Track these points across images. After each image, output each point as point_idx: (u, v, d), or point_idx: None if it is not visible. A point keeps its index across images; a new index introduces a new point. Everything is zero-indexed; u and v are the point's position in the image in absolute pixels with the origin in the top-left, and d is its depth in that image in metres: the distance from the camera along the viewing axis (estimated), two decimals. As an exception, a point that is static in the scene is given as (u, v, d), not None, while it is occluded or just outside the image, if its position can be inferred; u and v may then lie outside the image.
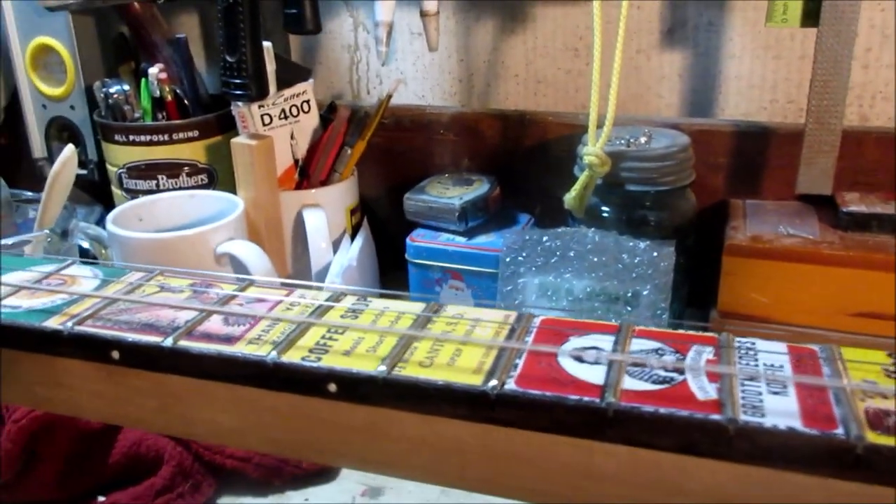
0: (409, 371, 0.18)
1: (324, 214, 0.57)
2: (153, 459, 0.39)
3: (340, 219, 0.60)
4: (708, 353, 0.18)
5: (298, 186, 0.59)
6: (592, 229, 0.50)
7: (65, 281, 0.23)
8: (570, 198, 0.52)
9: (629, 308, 0.51)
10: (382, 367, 0.18)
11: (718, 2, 0.57)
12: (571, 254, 0.51)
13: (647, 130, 0.53)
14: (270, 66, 0.54)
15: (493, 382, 0.17)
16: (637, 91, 0.61)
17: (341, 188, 0.59)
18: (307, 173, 0.59)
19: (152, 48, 0.61)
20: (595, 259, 0.50)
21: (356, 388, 0.18)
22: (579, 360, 0.18)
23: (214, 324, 0.20)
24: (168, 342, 0.20)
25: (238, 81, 0.52)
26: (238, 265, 0.51)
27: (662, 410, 0.16)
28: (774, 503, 0.16)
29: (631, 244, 0.50)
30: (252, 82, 0.52)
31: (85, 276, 0.23)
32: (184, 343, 0.20)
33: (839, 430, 0.15)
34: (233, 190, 0.57)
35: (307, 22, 0.54)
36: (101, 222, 0.63)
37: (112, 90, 0.59)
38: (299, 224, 0.58)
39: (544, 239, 0.51)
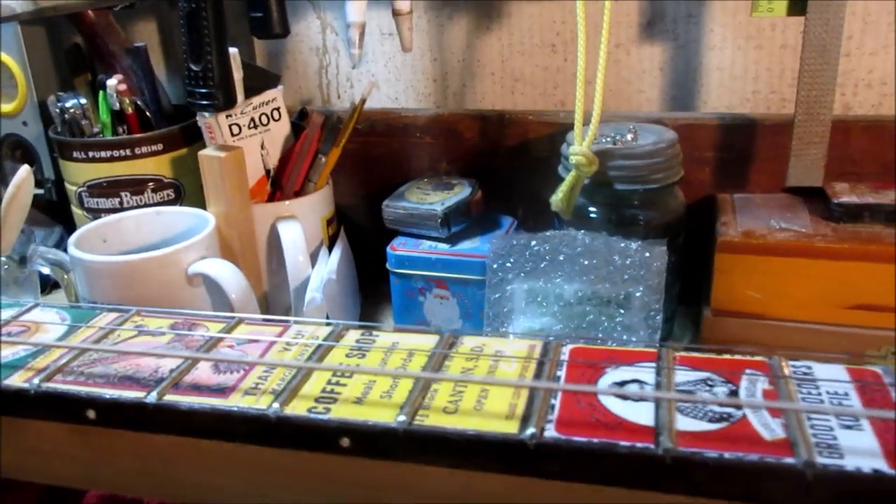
0: (433, 420, 0.16)
1: (300, 227, 0.54)
2: (131, 501, 0.37)
3: (317, 230, 0.57)
4: (762, 382, 0.17)
5: (271, 198, 0.56)
6: (582, 231, 0.49)
7: (28, 328, 0.21)
8: (556, 199, 0.50)
9: (622, 311, 0.49)
10: (402, 417, 0.16)
11: (697, -8, 0.56)
12: (561, 257, 0.49)
13: (632, 127, 0.51)
14: (237, 74, 0.51)
15: (532, 430, 0.15)
16: (617, 87, 0.60)
17: (316, 198, 0.56)
18: (280, 184, 0.56)
19: (110, 58, 0.58)
20: (586, 262, 0.49)
21: (373, 443, 0.16)
22: (622, 397, 0.16)
23: (203, 372, 0.18)
24: (152, 397, 0.17)
25: (204, 91, 0.49)
26: (212, 285, 0.48)
27: (728, 455, 0.14)
28: (858, 554, 0.14)
29: (622, 245, 0.48)
30: (219, 91, 0.49)
31: (51, 322, 0.21)
32: (170, 398, 0.17)
33: (931, 471, 0.14)
34: (201, 205, 0.54)
35: (274, 25, 0.51)
36: (61, 245, 0.59)
37: (68, 104, 0.55)
38: (274, 238, 0.55)
39: (532, 243, 0.50)
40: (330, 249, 0.57)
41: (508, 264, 0.51)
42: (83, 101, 0.56)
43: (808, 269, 0.47)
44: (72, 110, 0.55)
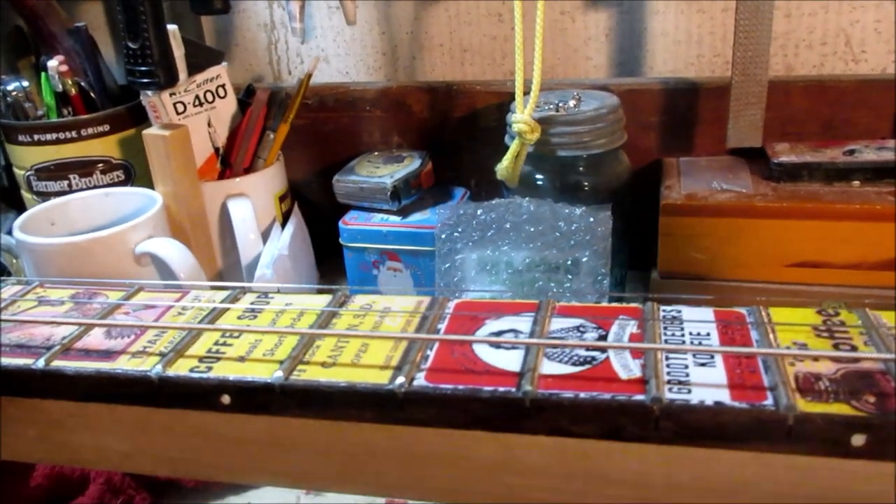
0: (310, 374, 0.16)
1: (250, 203, 0.54)
2: (79, 479, 0.37)
3: (269, 207, 0.57)
4: (632, 326, 0.17)
5: (221, 176, 0.56)
6: (527, 199, 0.49)
7: (-71, 303, 0.21)
8: (502, 168, 0.50)
9: (570, 277, 0.50)
10: (279, 373, 0.16)
11: (639, -43, 0.56)
12: (508, 225, 0.50)
13: (576, 94, 0.52)
14: (178, 51, 0.51)
15: (401, 379, 0.16)
16: (564, 54, 0.60)
17: (267, 175, 0.56)
18: (229, 162, 0.56)
19: (52, 40, 0.57)
20: (532, 229, 0.49)
21: (252, 398, 0.16)
22: (495, 345, 0.17)
23: (94, 338, 0.18)
24: (40, 364, 0.17)
25: (144, 69, 0.49)
26: (160, 264, 0.48)
27: (583, 395, 0.15)
28: (708, 483, 0.15)
29: (567, 211, 0.49)
30: (159, 69, 0.49)
31: (-48, 296, 0.21)
32: (58, 363, 0.17)
33: (768, 402, 0.14)
34: (153, 185, 0.54)
35: (214, 1, 0.51)
36: (14, 230, 0.59)
37: (9, 87, 0.55)
38: (226, 216, 0.55)
39: (479, 212, 0.50)
40: (284, 226, 0.57)
41: (456, 234, 0.51)
42: (25, 83, 0.55)
43: (750, 229, 0.47)
44: (14, 93, 0.55)
